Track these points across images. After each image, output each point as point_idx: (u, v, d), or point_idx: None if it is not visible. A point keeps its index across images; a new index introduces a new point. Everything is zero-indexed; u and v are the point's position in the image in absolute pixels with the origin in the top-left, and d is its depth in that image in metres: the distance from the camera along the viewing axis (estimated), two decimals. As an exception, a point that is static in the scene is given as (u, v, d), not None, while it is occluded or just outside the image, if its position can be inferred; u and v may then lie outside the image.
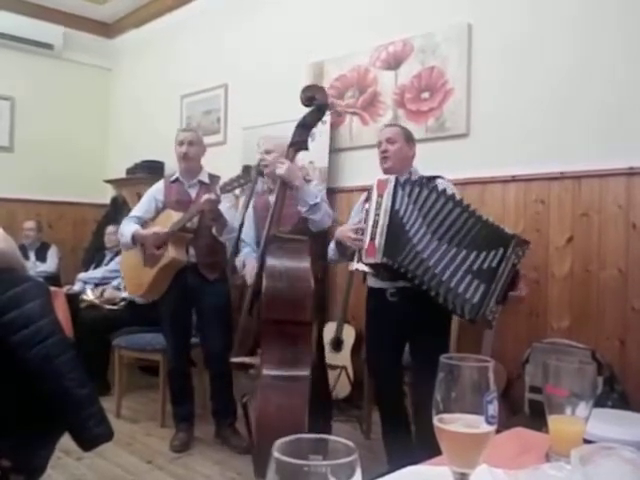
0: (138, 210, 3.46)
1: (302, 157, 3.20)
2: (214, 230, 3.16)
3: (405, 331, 2.65)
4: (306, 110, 2.81)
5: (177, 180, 3.43)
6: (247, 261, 3.06)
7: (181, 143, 3.34)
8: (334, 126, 4.28)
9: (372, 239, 2.41)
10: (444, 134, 3.69)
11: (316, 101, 2.79)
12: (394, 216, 2.39)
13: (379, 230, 2.39)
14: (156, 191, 3.46)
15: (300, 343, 2.34)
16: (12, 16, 5.73)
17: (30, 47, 5.98)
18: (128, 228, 3.35)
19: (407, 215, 2.39)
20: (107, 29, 6.58)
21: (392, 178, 2.45)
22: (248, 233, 3.17)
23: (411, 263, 2.36)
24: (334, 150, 4.30)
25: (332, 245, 2.79)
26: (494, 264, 2.32)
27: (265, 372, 2.31)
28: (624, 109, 2.99)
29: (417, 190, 2.40)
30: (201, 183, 3.37)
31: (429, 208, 2.39)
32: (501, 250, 2.32)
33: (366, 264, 2.47)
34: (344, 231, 2.63)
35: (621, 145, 2.99)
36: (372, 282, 2.71)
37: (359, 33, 4.19)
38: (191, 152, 3.33)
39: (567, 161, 3.16)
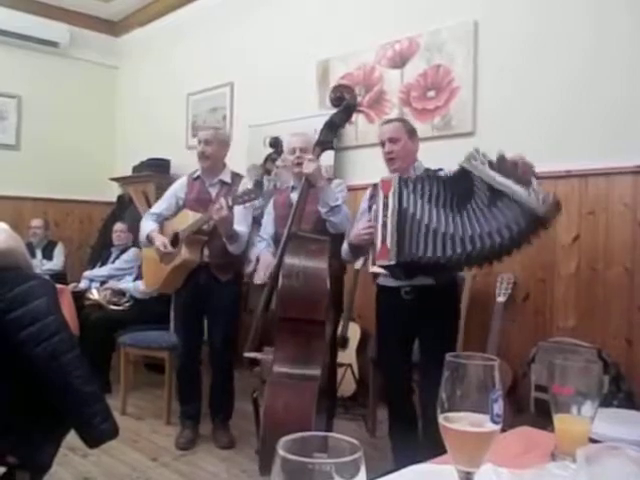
0: (159, 206, 3.48)
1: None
2: (224, 238, 3.17)
3: (416, 328, 2.65)
4: (327, 109, 2.81)
5: (199, 177, 3.42)
6: (261, 256, 3.04)
7: (199, 142, 3.33)
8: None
9: (383, 241, 2.37)
10: (450, 132, 3.68)
11: (345, 101, 2.77)
12: (402, 214, 2.34)
13: (389, 231, 2.35)
14: (178, 188, 3.46)
15: (313, 342, 2.34)
16: (18, 14, 5.74)
17: (36, 45, 5.99)
18: (146, 226, 3.39)
19: (417, 208, 2.32)
20: (113, 27, 6.60)
21: (395, 177, 2.41)
22: (266, 228, 3.18)
23: (427, 247, 2.26)
24: (340, 148, 4.29)
25: (345, 247, 2.76)
26: (496, 177, 2.18)
27: (276, 369, 2.32)
28: (631, 107, 2.98)
29: (420, 185, 2.36)
30: (222, 183, 3.35)
31: (437, 194, 2.32)
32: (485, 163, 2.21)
33: (380, 267, 2.42)
34: (356, 234, 2.60)
35: (628, 143, 2.98)
36: (385, 281, 2.68)
37: (365, 31, 4.19)
38: (208, 151, 3.29)
39: (573, 159, 3.15)
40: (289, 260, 2.38)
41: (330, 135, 2.79)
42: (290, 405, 2.22)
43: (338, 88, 2.87)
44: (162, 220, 3.41)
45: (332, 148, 2.84)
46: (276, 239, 3.07)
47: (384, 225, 2.38)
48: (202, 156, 3.31)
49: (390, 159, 2.70)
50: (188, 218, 3.24)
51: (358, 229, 2.60)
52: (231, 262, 3.30)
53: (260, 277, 2.91)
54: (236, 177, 3.40)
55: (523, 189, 2.12)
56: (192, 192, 3.39)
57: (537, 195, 2.09)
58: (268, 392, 2.28)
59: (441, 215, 2.27)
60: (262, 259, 3.01)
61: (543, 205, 2.08)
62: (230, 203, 3.00)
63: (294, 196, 3.04)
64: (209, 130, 3.41)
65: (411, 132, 2.75)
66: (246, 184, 3.36)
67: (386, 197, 2.39)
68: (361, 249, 2.72)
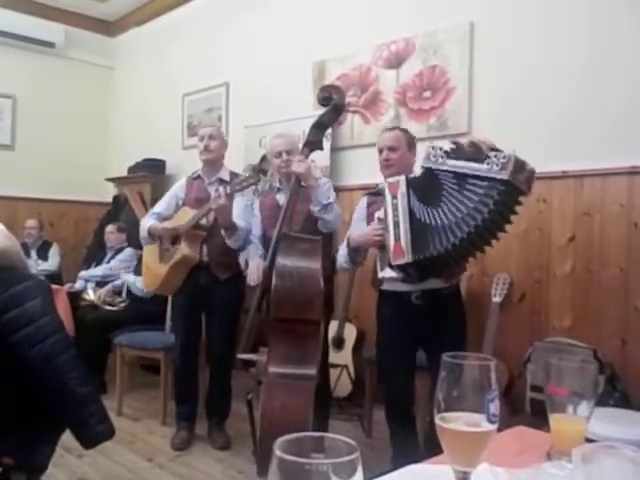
0: (159, 207, 3.50)
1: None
2: (223, 232, 3.16)
3: (425, 333, 2.64)
4: (321, 110, 2.80)
5: (198, 177, 3.44)
6: (251, 259, 3.03)
7: (202, 138, 3.36)
8: (336, 125, 4.27)
9: (397, 240, 2.37)
10: (446, 133, 3.68)
11: (333, 101, 2.76)
12: (412, 214, 2.36)
13: (402, 230, 2.36)
14: (178, 189, 3.49)
15: (308, 342, 2.34)
16: (14, 14, 5.73)
17: (32, 45, 5.98)
18: (146, 223, 3.40)
19: (417, 208, 2.35)
20: (109, 27, 6.58)
21: (402, 179, 2.42)
22: (254, 231, 3.17)
23: (436, 243, 2.26)
24: (336, 149, 4.30)
25: (343, 252, 2.75)
26: (455, 163, 2.24)
27: (272, 370, 2.31)
28: (627, 109, 2.99)
29: (423, 187, 2.37)
30: (221, 181, 3.36)
31: (420, 193, 2.35)
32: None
33: (396, 266, 2.42)
34: (366, 235, 2.61)
35: (623, 144, 2.99)
36: (393, 286, 2.64)
37: (361, 32, 4.19)
38: (211, 145, 3.33)
39: (569, 160, 3.16)
40: (282, 260, 2.38)
41: (319, 135, 2.78)
42: (287, 405, 2.22)
43: (326, 88, 2.87)
44: (162, 220, 3.42)
45: (321, 148, 2.82)
46: (264, 241, 3.07)
47: (396, 225, 2.38)
48: (206, 149, 3.33)
49: (387, 166, 2.70)
50: (187, 215, 3.25)
51: (368, 230, 2.60)
52: (231, 261, 3.30)
53: (253, 279, 2.90)
54: (234, 176, 3.40)
55: (480, 164, 2.15)
56: (192, 191, 3.42)
57: (494, 164, 2.11)
58: (264, 393, 2.28)
59: (431, 211, 2.30)
60: (251, 263, 3.00)
61: (504, 171, 2.09)
62: (229, 191, 3.01)
63: (280, 197, 3.04)
64: (212, 127, 3.48)
65: (411, 143, 2.75)
66: None
67: (394, 197, 2.40)
68: (359, 252, 2.72)
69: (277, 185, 3.17)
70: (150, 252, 3.50)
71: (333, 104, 2.77)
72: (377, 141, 2.80)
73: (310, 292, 2.32)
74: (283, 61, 4.71)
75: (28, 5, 5.83)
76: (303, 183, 2.74)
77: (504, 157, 2.10)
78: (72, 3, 6.06)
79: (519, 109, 3.37)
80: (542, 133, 3.28)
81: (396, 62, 3.99)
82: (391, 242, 2.40)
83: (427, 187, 2.33)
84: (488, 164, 2.13)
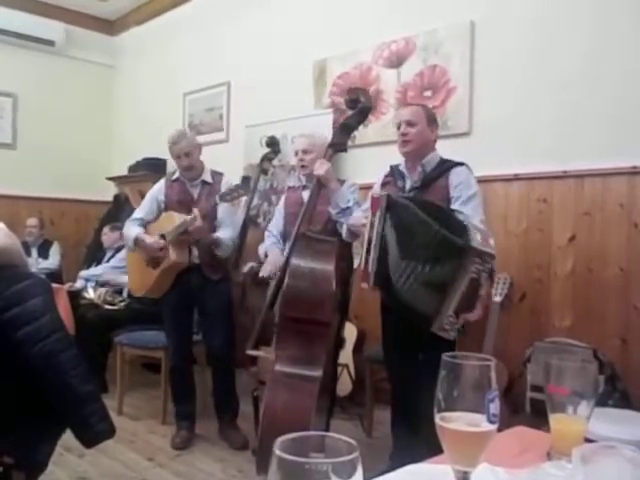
0: (140, 211, 3.44)
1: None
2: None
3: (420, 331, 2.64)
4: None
5: (178, 179, 3.40)
6: (270, 252, 3.04)
7: (178, 156, 3.28)
8: (336, 124, 4.27)
9: (366, 262, 2.37)
10: (446, 132, 3.67)
11: (360, 104, 2.75)
12: (383, 243, 2.34)
13: (371, 256, 2.35)
14: (157, 191, 3.43)
15: (316, 343, 2.34)
16: (14, 13, 5.72)
17: (32, 44, 5.97)
18: (132, 231, 3.35)
19: (389, 239, 2.33)
20: (109, 26, 6.58)
21: (384, 198, 2.38)
22: (276, 225, 3.19)
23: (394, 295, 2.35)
24: (336, 148, 4.29)
25: (345, 228, 2.74)
26: (449, 274, 2.16)
27: (278, 368, 2.31)
28: (628, 108, 2.99)
29: (403, 212, 2.31)
30: (204, 182, 3.34)
31: (405, 231, 2.29)
32: (456, 261, 2.15)
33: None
34: (357, 220, 2.61)
35: (624, 144, 2.99)
36: None
37: (362, 31, 4.18)
38: (190, 162, 3.28)
39: (570, 160, 3.16)
40: (296, 260, 2.39)
41: (344, 137, 2.78)
42: (289, 405, 2.22)
43: (354, 91, 2.85)
44: (145, 224, 3.38)
45: (345, 150, 2.83)
46: (285, 236, 3.11)
47: (369, 242, 2.36)
48: (187, 169, 3.29)
49: (404, 141, 2.63)
50: (174, 219, 3.19)
51: (359, 217, 2.58)
52: (221, 261, 3.31)
53: (266, 270, 2.91)
54: (217, 176, 3.38)
55: (450, 308, 2.20)
56: (173, 194, 3.36)
57: (446, 320, 2.21)
58: (268, 391, 2.28)
59: (399, 257, 2.27)
60: (270, 255, 3.01)
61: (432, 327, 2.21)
62: (218, 201, 3.02)
63: (305, 194, 3.03)
64: (183, 141, 3.27)
65: (431, 119, 2.68)
66: (228, 182, 3.35)
67: (373, 215, 2.37)
68: (357, 236, 2.71)
69: (303, 182, 3.19)
70: (135, 256, 3.46)
71: (360, 107, 2.75)
72: (395, 116, 2.75)
73: (322, 294, 2.32)
74: (284, 60, 4.71)
75: (28, 3, 5.82)
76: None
77: (454, 322, 2.21)
78: (72, 2, 6.06)
79: (520, 108, 3.37)
80: (543, 132, 3.27)
81: (397, 61, 3.99)
82: (362, 258, 2.39)
83: (402, 224, 2.29)
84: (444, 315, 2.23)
